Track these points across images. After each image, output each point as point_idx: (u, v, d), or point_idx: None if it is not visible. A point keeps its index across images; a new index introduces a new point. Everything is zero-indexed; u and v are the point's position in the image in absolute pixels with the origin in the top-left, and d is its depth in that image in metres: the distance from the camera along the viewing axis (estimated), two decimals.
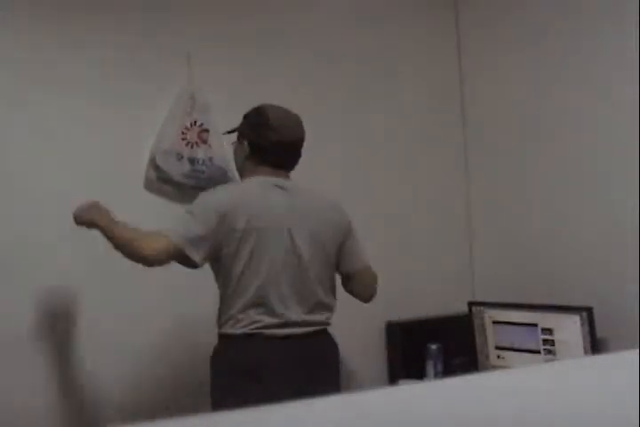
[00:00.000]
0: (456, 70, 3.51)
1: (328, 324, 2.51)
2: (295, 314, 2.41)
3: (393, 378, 3.20)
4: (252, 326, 2.38)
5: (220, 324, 2.43)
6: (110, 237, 2.35)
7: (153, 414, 2.72)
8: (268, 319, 2.38)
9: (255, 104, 2.60)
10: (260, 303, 2.38)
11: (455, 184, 3.50)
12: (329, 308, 2.52)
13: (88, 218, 2.39)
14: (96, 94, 2.78)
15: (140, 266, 2.33)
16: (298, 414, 0.74)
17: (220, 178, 2.89)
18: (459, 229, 3.49)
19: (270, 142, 2.48)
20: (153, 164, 2.82)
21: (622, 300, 2.89)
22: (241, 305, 2.38)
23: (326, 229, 2.53)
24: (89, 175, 2.77)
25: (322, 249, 2.51)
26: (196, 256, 2.35)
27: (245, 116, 2.58)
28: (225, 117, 2.89)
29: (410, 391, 0.87)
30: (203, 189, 2.88)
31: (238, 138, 2.59)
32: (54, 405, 2.63)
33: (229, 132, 2.66)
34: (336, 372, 2.54)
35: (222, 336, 2.42)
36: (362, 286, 2.63)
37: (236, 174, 2.68)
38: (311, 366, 2.42)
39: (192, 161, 2.87)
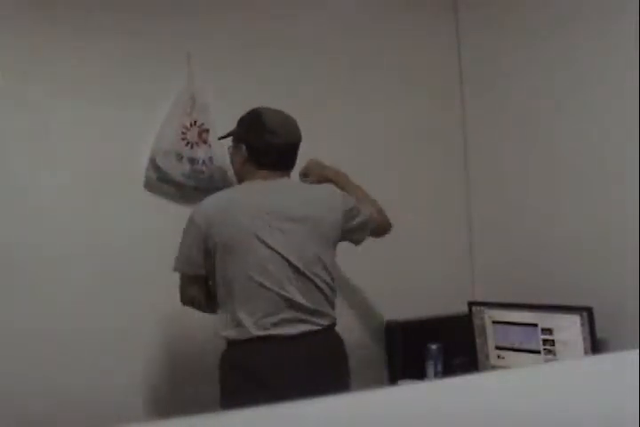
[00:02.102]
0: (456, 70, 3.51)
1: (326, 324, 2.48)
2: (289, 315, 2.41)
3: (393, 378, 3.20)
4: (254, 330, 2.38)
5: (224, 328, 2.44)
6: None
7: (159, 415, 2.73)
8: (263, 322, 2.39)
9: (255, 104, 2.60)
10: (255, 307, 2.39)
11: (455, 184, 3.49)
12: (326, 316, 2.49)
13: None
14: (96, 94, 2.78)
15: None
16: (298, 414, 0.74)
17: (220, 178, 2.89)
18: (459, 229, 3.49)
19: (269, 145, 2.49)
20: (153, 164, 2.82)
21: (622, 300, 2.89)
22: (236, 309, 2.40)
23: (324, 222, 2.51)
24: (89, 175, 2.77)
25: (318, 246, 2.48)
26: (202, 271, 2.48)
27: (241, 120, 2.59)
28: (225, 117, 2.90)
29: (410, 391, 0.87)
30: (203, 189, 2.89)
31: (235, 143, 2.59)
32: (61, 406, 2.63)
33: (223, 137, 2.67)
34: (346, 370, 2.55)
35: (233, 341, 2.43)
36: (379, 228, 2.77)
37: (235, 178, 2.68)
38: (318, 366, 2.42)
39: (192, 161, 2.87)
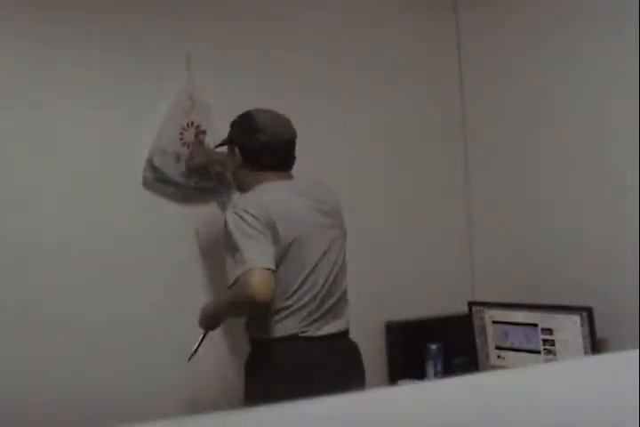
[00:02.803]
0: (456, 70, 3.51)
1: (347, 327, 2.53)
2: (326, 315, 2.43)
3: (393, 378, 3.20)
4: (296, 330, 2.37)
5: (258, 329, 2.41)
6: (218, 314, 2.48)
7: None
8: (308, 322, 2.39)
9: (255, 104, 2.60)
10: (301, 308, 2.38)
11: (455, 184, 3.49)
12: (343, 315, 2.52)
13: (203, 322, 2.50)
14: (96, 94, 2.78)
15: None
16: (298, 414, 0.74)
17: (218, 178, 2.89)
18: (459, 229, 3.49)
19: (262, 144, 2.43)
20: (150, 164, 2.81)
21: (622, 300, 2.89)
22: (284, 310, 2.37)
23: (342, 220, 2.55)
24: (89, 175, 2.77)
25: (344, 244, 2.53)
26: (275, 267, 2.30)
27: (232, 124, 2.55)
28: (224, 118, 2.89)
29: (410, 391, 0.87)
30: (202, 189, 2.89)
31: (228, 147, 2.55)
32: (61, 406, 2.63)
33: (219, 146, 2.63)
34: (363, 372, 2.57)
35: (264, 341, 2.41)
36: None
37: (234, 183, 2.63)
38: (344, 366, 2.44)
39: None
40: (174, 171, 2.83)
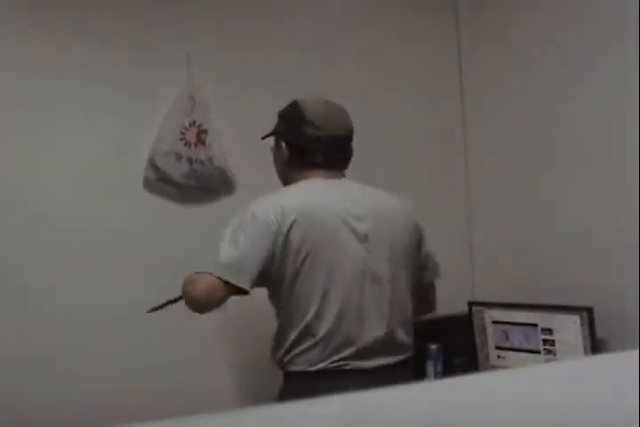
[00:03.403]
0: (456, 70, 3.51)
1: (404, 357, 2.21)
2: (373, 345, 2.11)
3: None
4: (331, 362, 2.07)
5: (285, 360, 2.11)
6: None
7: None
8: (343, 352, 2.08)
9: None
10: (332, 335, 2.08)
11: (455, 184, 3.49)
12: (407, 348, 2.21)
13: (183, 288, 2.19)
14: (96, 94, 2.79)
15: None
16: (298, 414, 0.74)
17: (219, 178, 2.90)
18: (459, 229, 3.48)
19: (311, 139, 2.14)
20: (152, 164, 2.82)
21: (622, 300, 2.89)
22: (305, 333, 2.08)
23: (403, 234, 2.23)
24: (89, 175, 2.77)
25: (403, 261, 2.21)
26: (247, 284, 2.02)
27: (280, 114, 2.25)
28: (225, 118, 2.90)
29: (410, 391, 0.87)
30: (203, 188, 2.89)
31: (275, 141, 2.25)
32: (61, 406, 2.63)
33: (265, 137, 2.29)
34: None
35: (297, 374, 2.09)
36: (433, 300, 2.41)
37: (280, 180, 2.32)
38: None
39: (191, 161, 2.87)
40: (176, 171, 2.84)
